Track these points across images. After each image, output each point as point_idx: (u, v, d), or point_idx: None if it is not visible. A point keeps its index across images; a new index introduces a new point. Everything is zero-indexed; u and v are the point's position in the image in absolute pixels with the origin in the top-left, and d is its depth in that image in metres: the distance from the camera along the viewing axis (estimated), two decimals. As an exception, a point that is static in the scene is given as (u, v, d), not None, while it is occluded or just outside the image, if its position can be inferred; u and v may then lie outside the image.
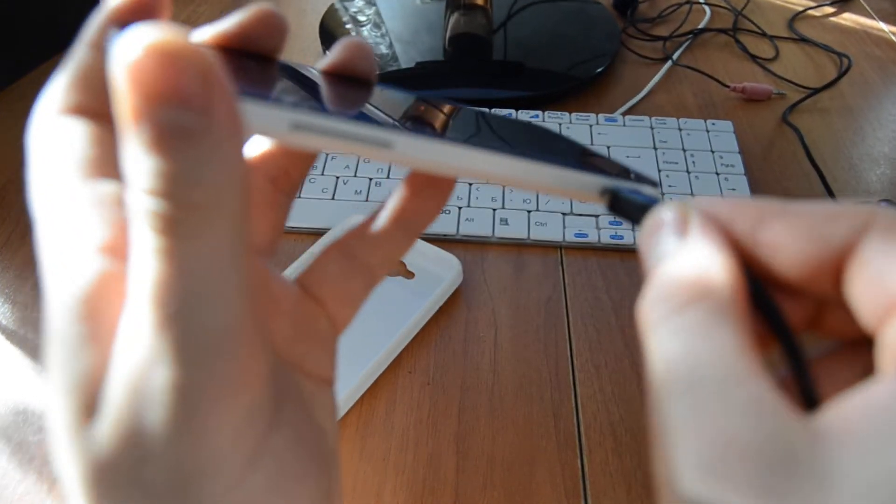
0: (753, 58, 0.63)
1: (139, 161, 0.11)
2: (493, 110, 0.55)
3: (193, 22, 0.67)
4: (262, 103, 0.14)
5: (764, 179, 0.51)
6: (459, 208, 0.47)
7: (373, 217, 0.19)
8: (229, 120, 0.12)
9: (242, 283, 0.13)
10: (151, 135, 0.11)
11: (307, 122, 0.14)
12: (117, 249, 0.13)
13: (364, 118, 0.15)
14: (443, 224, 0.46)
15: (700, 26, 0.66)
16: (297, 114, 0.14)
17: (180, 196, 0.11)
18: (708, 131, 0.54)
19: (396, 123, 0.16)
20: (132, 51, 0.11)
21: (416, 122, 0.19)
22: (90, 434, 0.13)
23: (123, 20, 0.14)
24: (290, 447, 0.15)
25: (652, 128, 0.54)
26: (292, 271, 0.41)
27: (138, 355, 0.12)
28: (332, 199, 0.48)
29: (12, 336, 0.41)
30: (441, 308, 0.41)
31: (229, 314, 0.12)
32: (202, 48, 0.11)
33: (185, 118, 0.11)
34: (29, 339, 0.41)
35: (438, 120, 0.20)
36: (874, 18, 0.69)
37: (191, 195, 0.11)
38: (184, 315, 0.12)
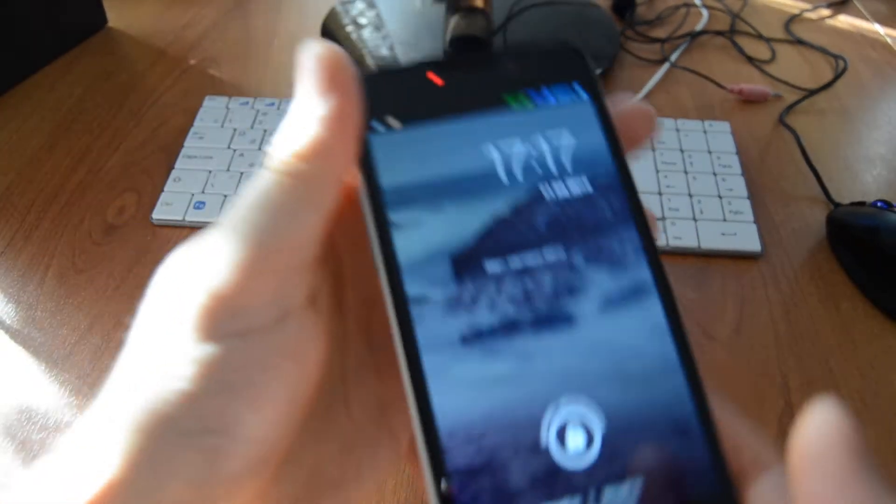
0: (750, 60, 0.63)
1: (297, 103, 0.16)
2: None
3: (196, 25, 0.67)
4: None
5: (761, 180, 0.52)
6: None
7: None
8: (343, 110, 0.16)
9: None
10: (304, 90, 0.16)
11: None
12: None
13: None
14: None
15: (697, 28, 0.67)
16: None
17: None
18: (705, 132, 0.54)
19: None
20: (309, 52, 0.16)
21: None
22: None
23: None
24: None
25: (650, 129, 0.54)
26: None
27: None
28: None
29: (16, 335, 0.42)
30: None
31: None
32: (349, 63, 0.16)
33: (323, 94, 0.16)
34: (32, 338, 0.41)
35: None
36: (869, 21, 0.70)
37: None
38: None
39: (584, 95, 0.18)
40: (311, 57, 0.16)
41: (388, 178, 0.17)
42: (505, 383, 0.15)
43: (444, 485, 0.14)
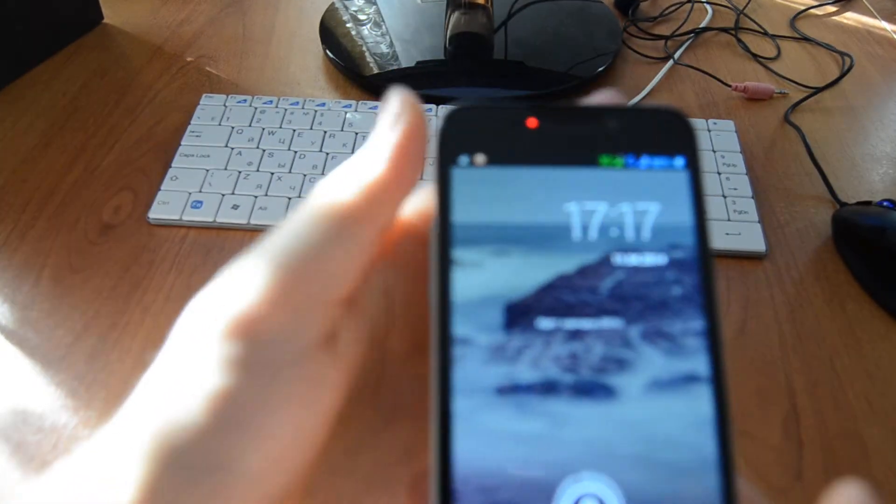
0: (755, 57, 0.63)
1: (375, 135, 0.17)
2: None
3: (193, 21, 0.66)
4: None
5: (766, 179, 0.51)
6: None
7: None
8: (406, 155, 0.17)
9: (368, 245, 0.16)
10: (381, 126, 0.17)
11: None
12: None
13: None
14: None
15: (702, 25, 0.66)
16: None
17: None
18: (710, 131, 0.53)
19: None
20: (395, 99, 0.18)
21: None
22: None
23: None
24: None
25: (653, 127, 0.54)
26: None
27: None
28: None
29: (11, 336, 0.41)
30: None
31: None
32: (419, 112, 0.17)
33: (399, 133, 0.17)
34: (28, 339, 0.41)
35: None
36: (876, 17, 0.69)
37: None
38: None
39: (682, 167, 0.17)
40: (388, 98, 0.17)
41: (462, 213, 0.17)
42: (531, 443, 0.15)
43: None
